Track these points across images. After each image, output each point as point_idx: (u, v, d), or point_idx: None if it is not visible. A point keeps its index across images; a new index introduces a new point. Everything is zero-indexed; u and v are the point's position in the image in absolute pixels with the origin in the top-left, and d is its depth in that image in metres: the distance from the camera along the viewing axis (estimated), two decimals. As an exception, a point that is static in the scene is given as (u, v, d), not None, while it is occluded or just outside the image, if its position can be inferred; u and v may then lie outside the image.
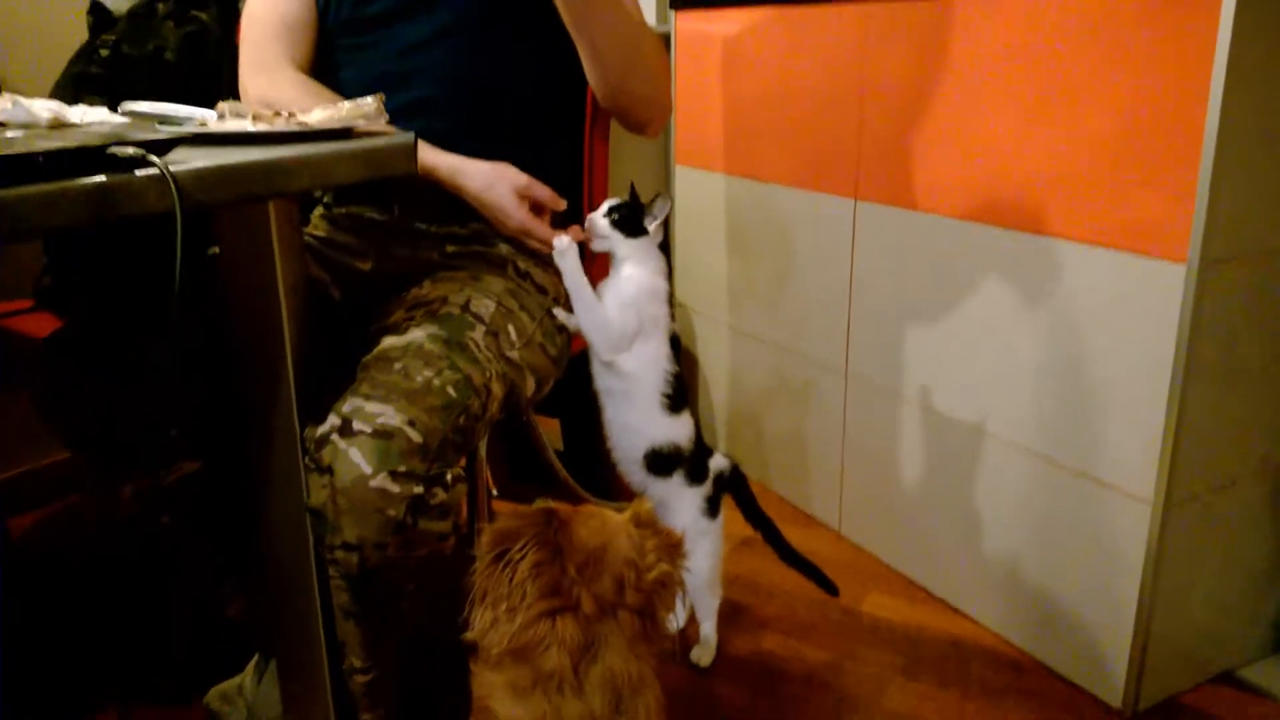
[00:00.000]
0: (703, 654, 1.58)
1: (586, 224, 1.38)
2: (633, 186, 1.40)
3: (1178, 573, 1.42)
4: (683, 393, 1.42)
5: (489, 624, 0.90)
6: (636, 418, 1.41)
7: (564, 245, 1.32)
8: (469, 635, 0.93)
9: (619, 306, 1.35)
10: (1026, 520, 1.58)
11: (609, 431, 1.45)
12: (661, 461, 1.42)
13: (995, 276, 1.56)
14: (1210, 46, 1.21)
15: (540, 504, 1.03)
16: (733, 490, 1.52)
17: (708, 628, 1.57)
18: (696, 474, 1.45)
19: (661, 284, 1.39)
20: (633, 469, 1.45)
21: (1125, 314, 1.37)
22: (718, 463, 1.49)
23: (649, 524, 0.99)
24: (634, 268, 1.37)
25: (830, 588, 1.57)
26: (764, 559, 1.62)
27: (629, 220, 1.36)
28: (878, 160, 1.75)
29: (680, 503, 1.45)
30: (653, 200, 1.37)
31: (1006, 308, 1.55)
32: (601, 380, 1.41)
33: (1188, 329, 1.29)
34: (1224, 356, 1.35)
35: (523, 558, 0.90)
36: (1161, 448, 1.35)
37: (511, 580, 0.90)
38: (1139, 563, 1.40)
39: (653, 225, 1.36)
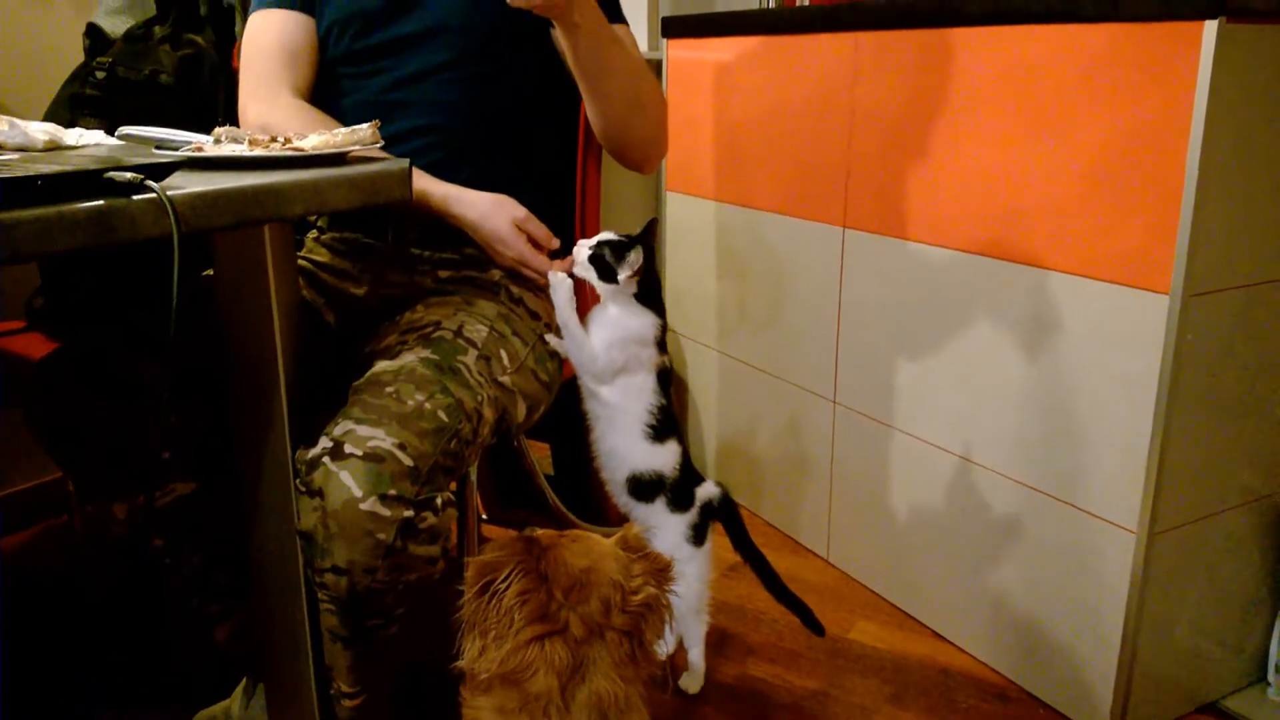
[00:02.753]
0: (691, 681, 1.58)
1: (574, 250, 1.39)
2: (651, 223, 1.39)
3: (1162, 602, 1.43)
4: (669, 424, 1.43)
5: (478, 653, 0.91)
6: (619, 443, 1.42)
7: (557, 280, 1.34)
8: (459, 664, 0.94)
9: (605, 345, 1.37)
10: (1013, 549, 1.59)
11: (596, 451, 1.46)
12: (642, 487, 1.43)
13: (981, 306, 1.58)
14: (1191, 82, 1.23)
15: (528, 532, 1.04)
16: (723, 519, 1.52)
17: (695, 654, 1.57)
18: (680, 502, 1.46)
19: (649, 328, 1.39)
20: (617, 491, 1.46)
21: (1109, 344, 1.39)
22: (707, 490, 1.49)
23: (637, 548, 0.99)
24: (619, 310, 1.38)
25: (817, 628, 1.55)
26: (752, 585, 1.62)
27: (605, 265, 1.35)
28: (866, 189, 1.77)
29: (663, 529, 1.45)
30: (633, 247, 1.35)
31: (993, 337, 1.57)
32: (589, 403, 1.43)
33: (1171, 359, 1.31)
34: (1207, 387, 1.36)
35: (508, 587, 0.92)
36: (1145, 478, 1.36)
37: (498, 610, 0.91)
38: (1124, 592, 1.41)
39: (623, 276, 1.35)
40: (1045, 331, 1.48)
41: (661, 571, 0.98)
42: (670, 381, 1.44)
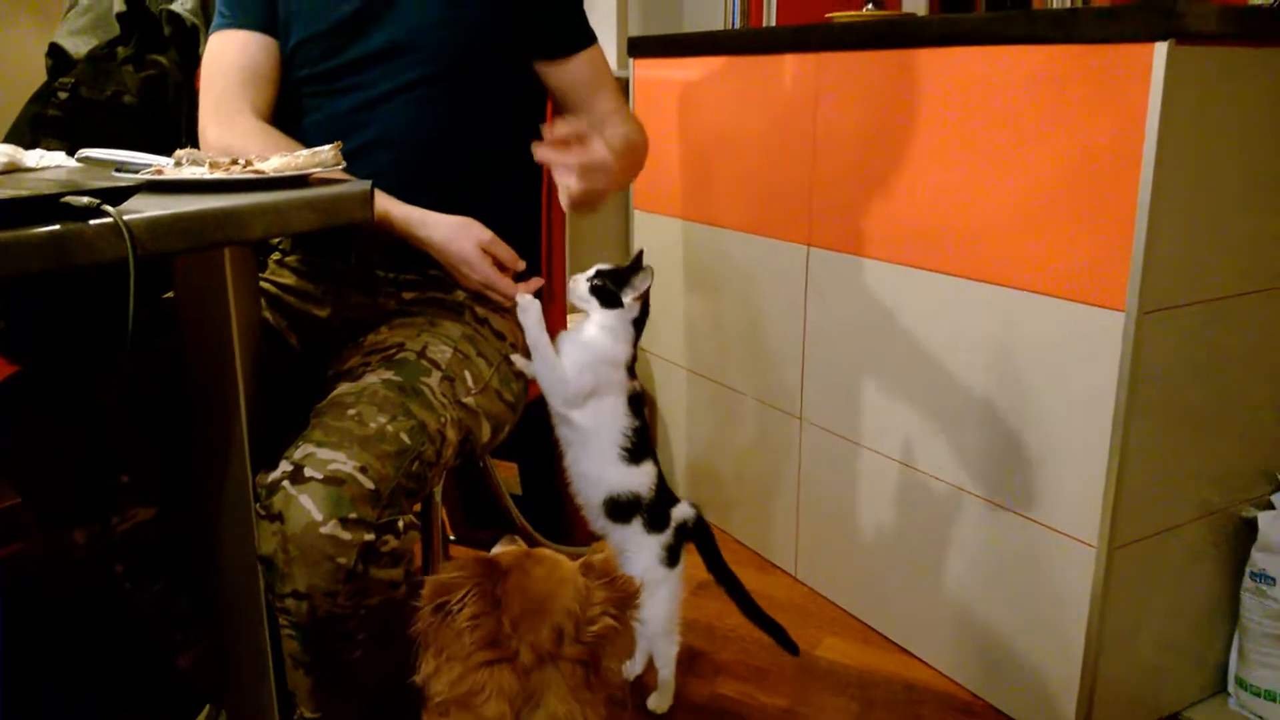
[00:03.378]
0: (660, 700, 1.58)
1: (569, 285, 1.39)
2: (640, 254, 1.40)
3: (1124, 615, 1.45)
4: (644, 445, 1.43)
5: (432, 671, 0.91)
6: (593, 467, 1.42)
7: (526, 302, 1.34)
8: (416, 679, 0.94)
9: (577, 368, 1.37)
10: (976, 564, 1.61)
11: (569, 477, 1.46)
12: (620, 509, 1.43)
13: (942, 322, 1.60)
14: (1144, 103, 1.26)
15: (499, 547, 1.04)
16: (696, 541, 1.52)
17: (665, 674, 1.57)
18: (656, 522, 1.46)
19: (623, 352, 1.39)
20: (593, 514, 1.46)
21: (1067, 360, 1.41)
22: (681, 511, 1.49)
23: (603, 573, 0.99)
24: (598, 332, 1.38)
25: (791, 647, 1.56)
26: (721, 603, 1.62)
27: (608, 292, 1.37)
28: (829, 207, 1.79)
29: (638, 550, 1.45)
30: (636, 274, 1.37)
31: (953, 354, 1.58)
32: (560, 429, 1.43)
33: (1128, 376, 1.33)
34: (1164, 403, 1.38)
35: (461, 609, 0.92)
36: (1105, 492, 1.38)
37: (451, 631, 0.91)
38: (1085, 605, 1.43)
39: (629, 298, 1.37)
40: (1005, 347, 1.50)
41: (625, 598, 0.98)
42: (643, 404, 1.44)
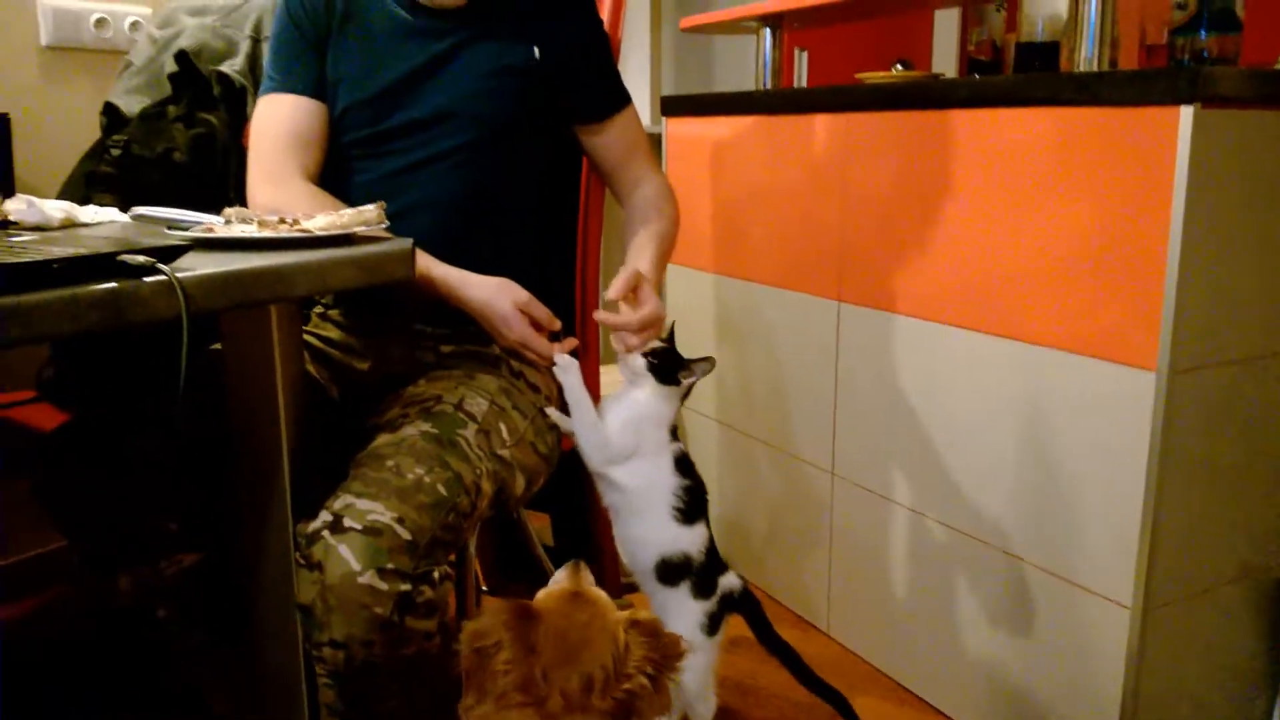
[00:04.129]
0: None
1: (622, 360, 1.40)
2: (672, 327, 1.42)
3: (1161, 677, 1.43)
4: (698, 505, 1.42)
5: (471, 704, 0.95)
6: (644, 529, 1.40)
7: (566, 362, 1.36)
8: (460, 708, 0.97)
9: (620, 424, 1.37)
10: (1010, 623, 1.59)
11: (619, 545, 1.44)
12: (670, 571, 1.41)
13: (973, 379, 1.60)
14: (1171, 165, 1.27)
15: (569, 574, 1.06)
16: (744, 612, 1.50)
17: None
18: (703, 589, 1.43)
19: (668, 413, 1.39)
20: (643, 578, 1.44)
21: (1099, 419, 1.41)
22: (729, 581, 1.46)
23: (648, 631, 1.00)
24: (647, 397, 1.38)
25: (852, 717, 1.54)
26: (755, 661, 1.61)
27: (665, 369, 1.38)
28: (859, 264, 1.81)
29: (680, 614, 1.42)
30: (699, 360, 1.39)
31: (984, 411, 1.59)
32: (608, 496, 1.41)
33: (1159, 435, 1.33)
34: (1199, 462, 1.38)
35: (496, 653, 0.94)
36: (1138, 553, 1.37)
37: (487, 670, 0.94)
38: (1120, 668, 1.41)
39: (686, 382, 1.38)
40: (1036, 405, 1.50)
41: (667, 658, 0.99)
42: (692, 465, 1.43)
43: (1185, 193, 1.26)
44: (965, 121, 1.57)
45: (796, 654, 1.52)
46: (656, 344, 1.40)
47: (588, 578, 1.10)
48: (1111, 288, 1.37)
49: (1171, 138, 1.27)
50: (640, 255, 1.42)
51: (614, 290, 1.31)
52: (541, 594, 1.08)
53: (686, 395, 1.42)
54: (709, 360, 1.39)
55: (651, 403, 1.38)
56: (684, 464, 1.41)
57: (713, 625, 1.45)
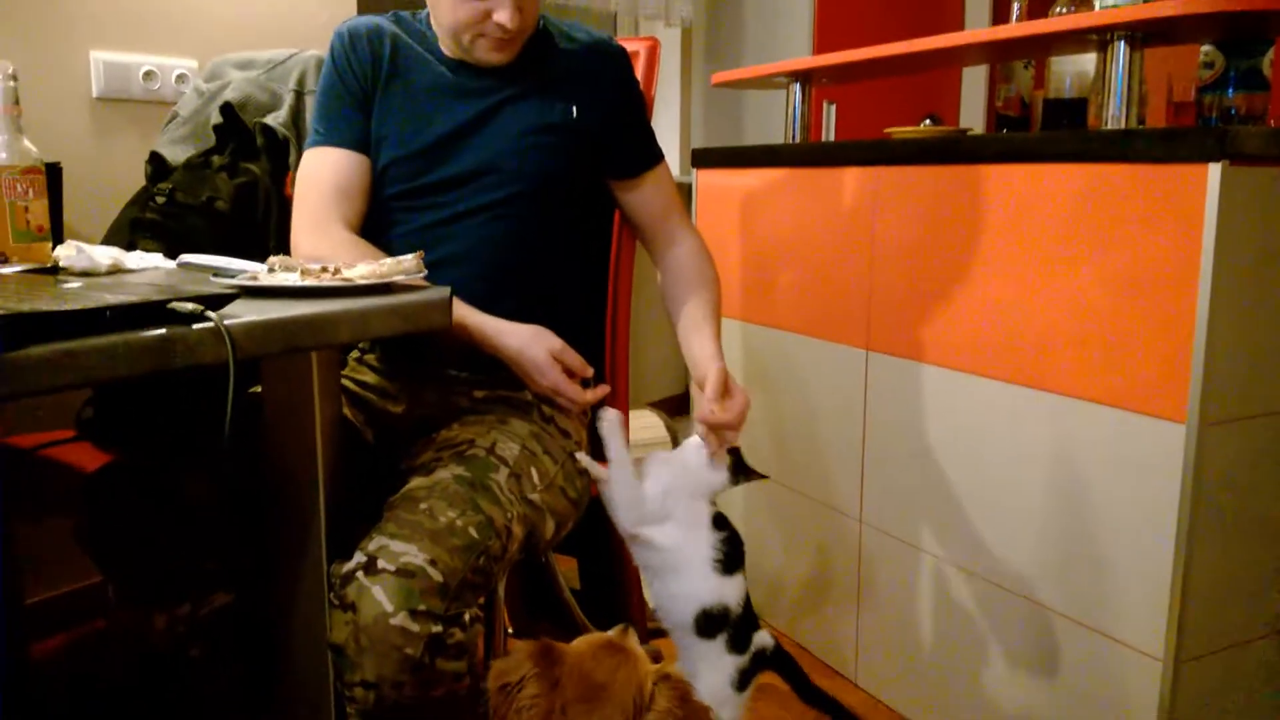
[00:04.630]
0: None
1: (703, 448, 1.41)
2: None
3: (1193, 733, 1.41)
4: (738, 555, 1.42)
5: None
6: (685, 585, 1.39)
7: (612, 417, 1.36)
8: None
9: (662, 490, 1.37)
10: (1039, 673, 1.58)
11: (656, 604, 1.43)
12: (711, 623, 1.40)
13: (1002, 430, 1.61)
14: (1199, 220, 1.29)
15: (606, 638, 1.08)
16: (778, 669, 1.49)
17: None
18: (739, 643, 1.42)
19: (718, 483, 1.40)
20: (680, 632, 1.42)
21: (1129, 470, 1.41)
22: (762, 639, 1.45)
23: (679, 690, 1.01)
24: (706, 478, 1.39)
25: None
26: (780, 708, 1.61)
27: (746, 468, 1.40)
28: (888, 313, 1.83)
29: (714, 668, 1.41)
30: (758, 474, 1.42)
31: (1014, 461, 1.59)
32: (640, 556, 1.41)
33: (1190, 486, 1.33)
34: (1229, 514, 1.37)
35: (520, 690, 0.98)
36: (1169, 605, 1.36)
37: (512, 708, 0.98)
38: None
39: (745, 479, 1.40)
40: (1065, 456, 1.50)
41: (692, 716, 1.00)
42: (728, 521, 1.43)
43: (1213, 248, 1.27)
44: (993, 176, 1.59)
45: (839, 703, 1.51)
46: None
47: (633, 640, 1.11)
48: (1140, 340, 1.38)
49: (1200, 194, 1.28)
50: (708, 341, 1.45)
51: (710, 391, 1.34)
52: (580, 639, 1.09)
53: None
54: (766, 477, 1.43)
55: (709, 485, 1.39)
56: (720, 519, 1.41)
57: (743, 681, 1.43)
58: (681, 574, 1.39)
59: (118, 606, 1.79)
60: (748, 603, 1.43)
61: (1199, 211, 1.29)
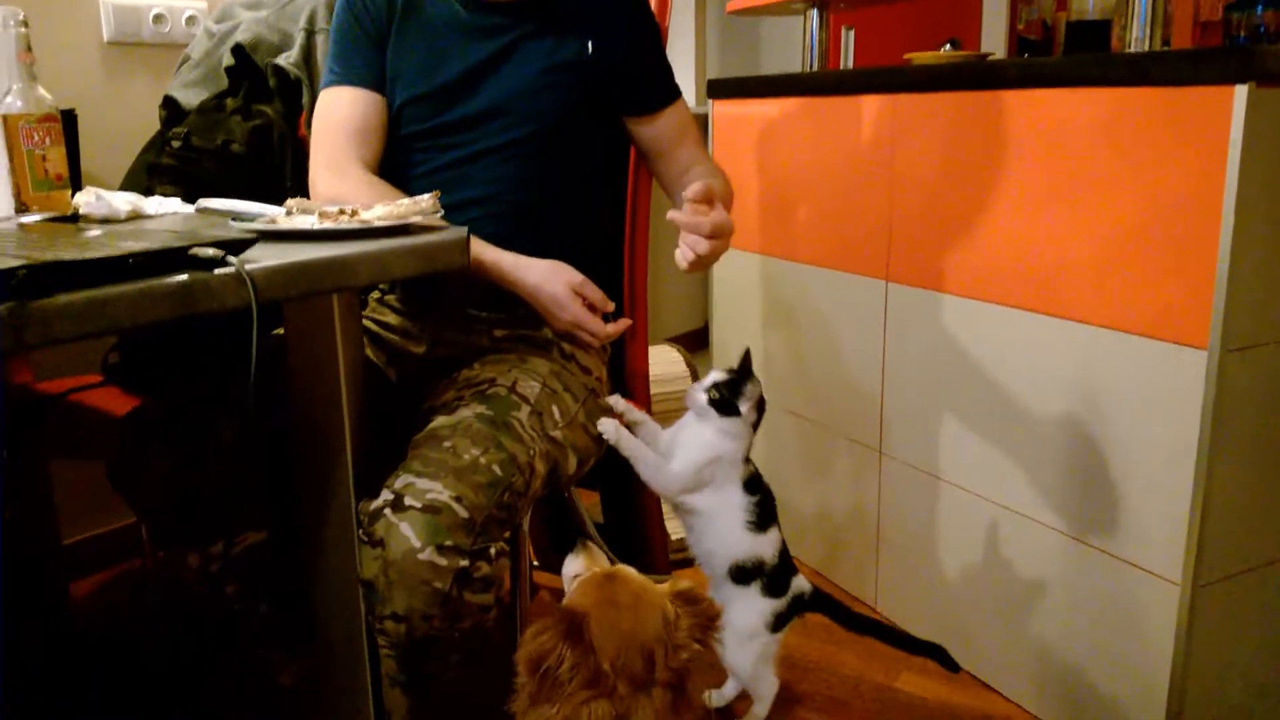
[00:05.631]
0: None
1: (689, 395, 1.41)
2: (746, 354, 1.43)
3: (1211, 654, 1.43)
4: (769, 514, 1.45)
5: (545, 710, 0.98)
6: (718, 543, 1.44)
7: (611, 429, 1.37)
8: (511, 708, 1.00)
9: (692, 467, 1.39)
10: (1057, 599, 1.60)
11: (694, 550, 1.48)
12: (744, 573, 1.45)
13: (1022, 358, 1.60)
14: (1224, 144, 1.27)
15: (582, 559, 1.08)
16: (822, 611, 1.53)
17: (759, 708, 1.59)
18: (775, 588, 1.47)
19: (741, 450, 1.41)
20: (716, 580, 1.48)
21: (1150, 397, 1.41)
22: (800, 584, 1.50)
23: (691, 599, 1.03)
24: (715, 435, 1.40)
25: (954, 666, 1.56)
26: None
27: (727, 403, 1.39)
28: (907, 244, 1.81)
29: (749, 609, 1.47)
30: (746, 380, 1.39)
31: (1034, 389, 1.59)
32: (680, 513, 1.45)
33: (1210, 413, 1.33)
34: (1250, 439, 1.37)
35: (560, 666, 0.98)
36: (1188, 530, 1.37)
37: (553, 685, 0.98)
38: (1169, 644, 1.41)
39: (745, 406, 1.39)
40: (1086, 384, 1.50)
41: (708, 622, 1.02)
42: (760, 480, 1.45)
43: (1238, 172, 1.26)
44: (1015, 102, 1.56)
45: (886, 625, 1.55)
46: (720, 375, 1.40)
47: (598, 554, 1.14)
48: (1163, 267, 1.37)
49: (1225, 117, 1.26)
50: (706, 179, 1.39)
51: (691, 191, 1.28)
52: (576, 590, 1.11)
53: (758, 424, 1.44)
54: (755, 382, 1.40)
55: (721, 443, 1.40)
56: (752, 483, 1.44)
57: (779, 623, 1.49)
58: (717, 532, 1.43)
59: (152, 546, 1.84)
60: (784, 553, 1.47)
61: (1224, 135, 1.26)
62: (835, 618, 1.55)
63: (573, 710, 0.97)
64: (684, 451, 1.40)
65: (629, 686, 0.97)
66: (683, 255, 1.30)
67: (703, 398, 1.40)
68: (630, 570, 1.11)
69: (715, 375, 1.41)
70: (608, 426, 1.37)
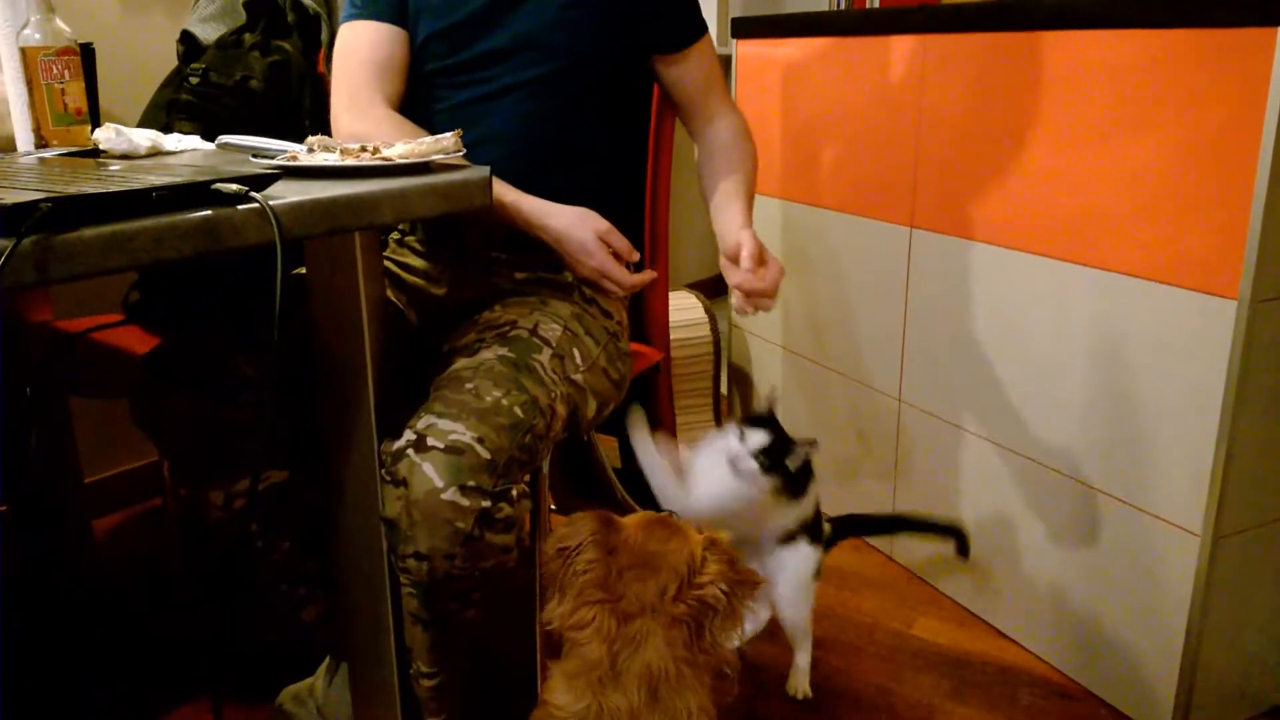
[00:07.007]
0: (797, 684, 1.61)
1: (729, 457, 1.37)
2: (773, 396, 1.42)
3: (1228, 606, 1.43)
4: (805, 477, 1.44)
5: (555, 605, 1.02)
6: (758, 530, 1.48)
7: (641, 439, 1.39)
8: (544, 616, 1.04)
9: (710, 503, 1.38)
10: (1076, 549, 1.60)
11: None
12: (788, 535, 1.49)
13: (1047, 307, 1.59)
14: (1263, 88, 1.23)
15: (651, 516, 1.11)
16: (850, 532, 1.56)
17: (802, 659, 1.62)
18: (817, 534, 1.51)
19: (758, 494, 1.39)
20: (764, 548, 1.51)
21: (1176, 347, 1.39)
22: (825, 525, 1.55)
23: (724, 552, 1.04)
24: (738, 483, 1.37)
25: (966, 551, 1.61)
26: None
27: (779, 468, 1.36)
28: (933, 189, 1.79)
29: (801, 562, 1.50)
30: (801, 443, 1.38)
31: (1058, 338, 1.58)
32: None
33: (1238, 364, 1.31)
34: (1275, 393, 1.36)
35: (579, 554, 1.01)
36: (1210, 482, 1.36)
37: (569, 571, 1.02)
38: (1187, 594, 1.42)
39: (793, 466, 1.38)
40: (1112, 334, 1.49)
41: (741, 584, 1.02)
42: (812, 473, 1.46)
43: (1277, 117, 1.23)
44: (1047, 43, 1.53)
45: (902, 517, 1.57)
46: (761, 437, 1.36)
47: (680, 521, 1.15)
48: (1195, 214, 1.35)
49: (1266, 60, 1.22)
50: (739, 214, 1.42)
51: (748, 260, 1.30)
52: (632, 516, 1.12)
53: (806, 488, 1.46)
54: (812, 443, 1.38)
55: (746, 491, 1.37)
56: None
57: (818, 570, 1.54)
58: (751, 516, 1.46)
59: (175, 484, 1.85)
60: (817, 513, 1.52)
61: (1264, 79, 1.23)
62: (859, 531, 1.58)
63: (576, 607, 1.00)
64: (707, 486, 1.38)
65: (636, 605, 0.99)
66: (741, 307, 1.31)
67: (753, 464, 1.35)
68: (684, 523, 1.11)
69: (758, 440, 1.36)
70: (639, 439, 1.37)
